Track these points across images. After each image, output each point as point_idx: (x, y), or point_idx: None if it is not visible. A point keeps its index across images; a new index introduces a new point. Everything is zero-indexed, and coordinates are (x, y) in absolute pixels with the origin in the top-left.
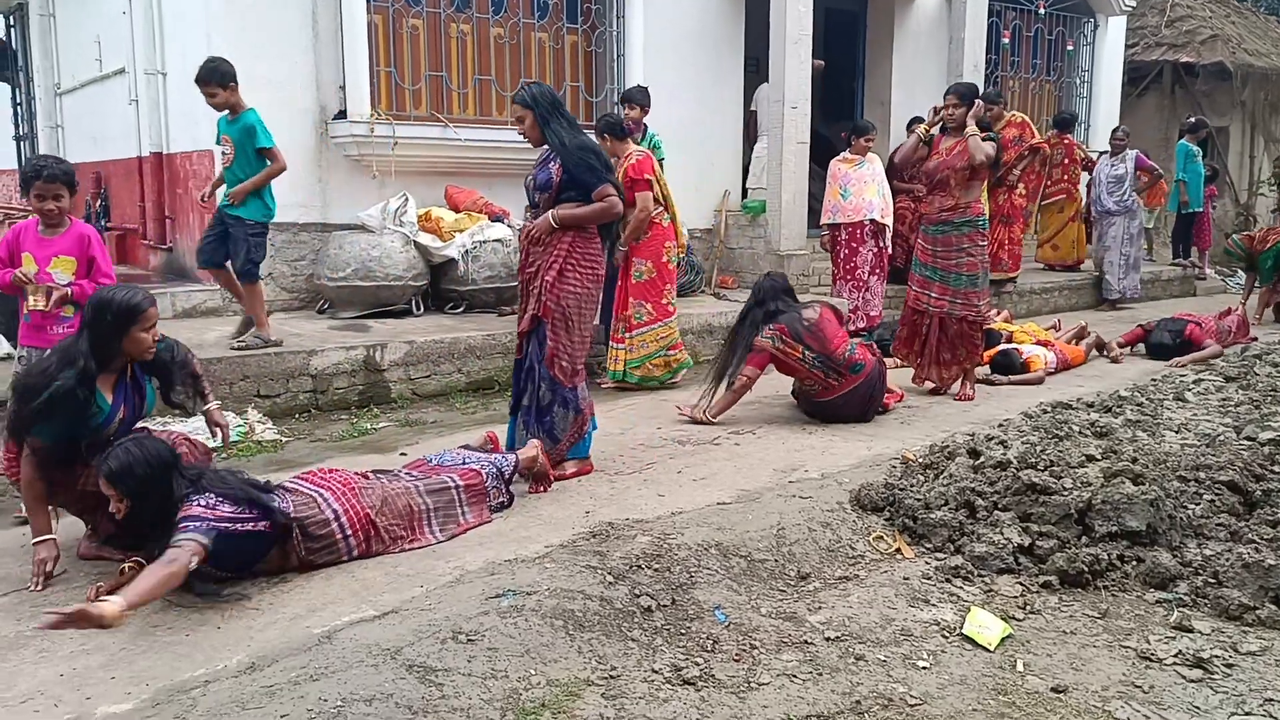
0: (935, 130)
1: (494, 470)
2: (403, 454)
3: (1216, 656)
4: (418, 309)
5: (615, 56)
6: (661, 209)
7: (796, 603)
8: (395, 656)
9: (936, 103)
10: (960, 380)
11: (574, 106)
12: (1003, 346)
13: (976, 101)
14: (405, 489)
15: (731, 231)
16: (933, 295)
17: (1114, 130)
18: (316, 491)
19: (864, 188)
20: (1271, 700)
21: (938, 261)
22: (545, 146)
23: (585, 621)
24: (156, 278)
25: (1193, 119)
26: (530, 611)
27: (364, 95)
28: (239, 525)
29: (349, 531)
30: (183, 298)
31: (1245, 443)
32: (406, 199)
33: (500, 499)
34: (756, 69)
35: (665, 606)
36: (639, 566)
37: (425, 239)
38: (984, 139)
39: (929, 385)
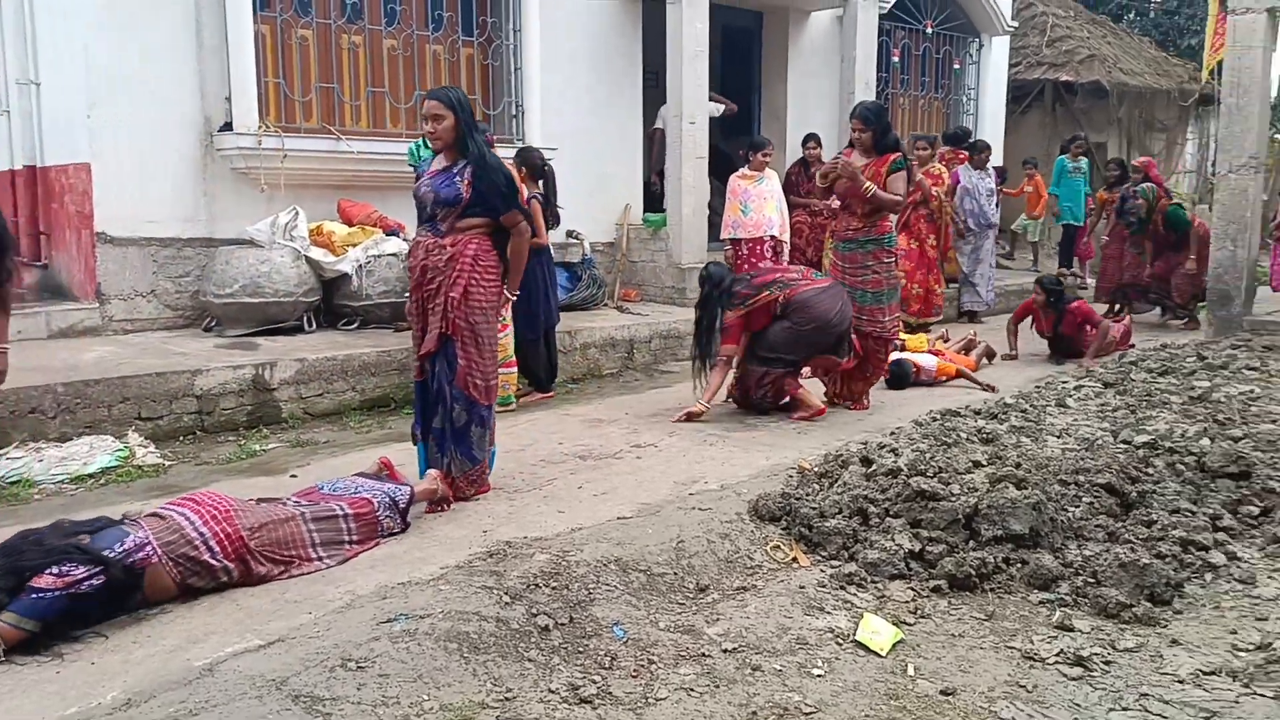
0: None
1: (387, 500)
2: (293, 475)
3: (1096, 654)
4: (310, 326)
5: (512, 69)
6: None
7: (695, 615)
8: (281, 687)
9: (828, 125)
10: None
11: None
12: (895, 356)
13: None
14: (290, 515)
15: (633, 245)
16: None
17: (978, 143)
18: (182, 514)
19: (763, 204)
20: (1147, 695)
21: (846, 278)
22: (451, 159)
23: (480, 643)
24: (31, 295)
25: (1072, 136)
26: (423, 635)
27: (251, 107)
28: (78, 586)
29: (218, 553)
30: (59, 317)
31: (1122, 446)
32: (297, 213)
33: (394, 529)
34: (656, 83)
35: (563, 625)
36: (537, 585)
37: (317, 254)
38: (893, 163)
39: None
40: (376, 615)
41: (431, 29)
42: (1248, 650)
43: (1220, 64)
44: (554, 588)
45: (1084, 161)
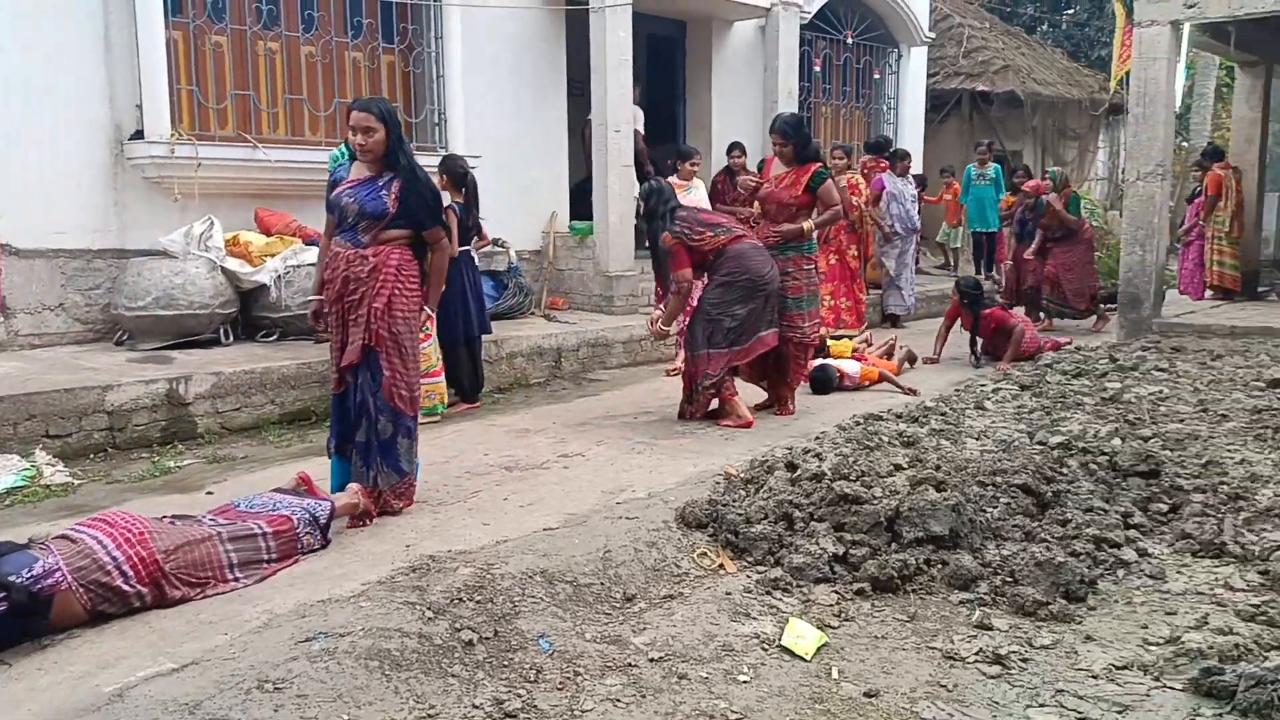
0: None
1: (307, 516)
2: (209, 493)
3: (1014, 652)
4: (227, 338)
5: (434, 77)
6: None
7: (622, 625)
8: (194, 712)
9: (752, 133)
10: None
11: None
12: (820, 361)
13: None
14: (206, 535)
15: (560, 253)
16: None
17: (900, 153)
18: (94, 537)
19: None
20: (1062, 691)
21: None
22: (377, 170)
23: (403, 661)
24: None
25: (977, 143)
26: (343, 654)
27: (163, 114)
28: None
29: (132, 577)
30: None
31: (1037, 447)
32: (212, 223)
33: (314, 545)
34: (581, 92)
35: (488, 639)
36: (460, 599)
37: (234, 264)
38: (816, 174)
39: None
40: (295, 634)
41: (351, 35)
42: (1158, 644)
43: (1128, 75)
44: (478, 601)
45: (992, 168)
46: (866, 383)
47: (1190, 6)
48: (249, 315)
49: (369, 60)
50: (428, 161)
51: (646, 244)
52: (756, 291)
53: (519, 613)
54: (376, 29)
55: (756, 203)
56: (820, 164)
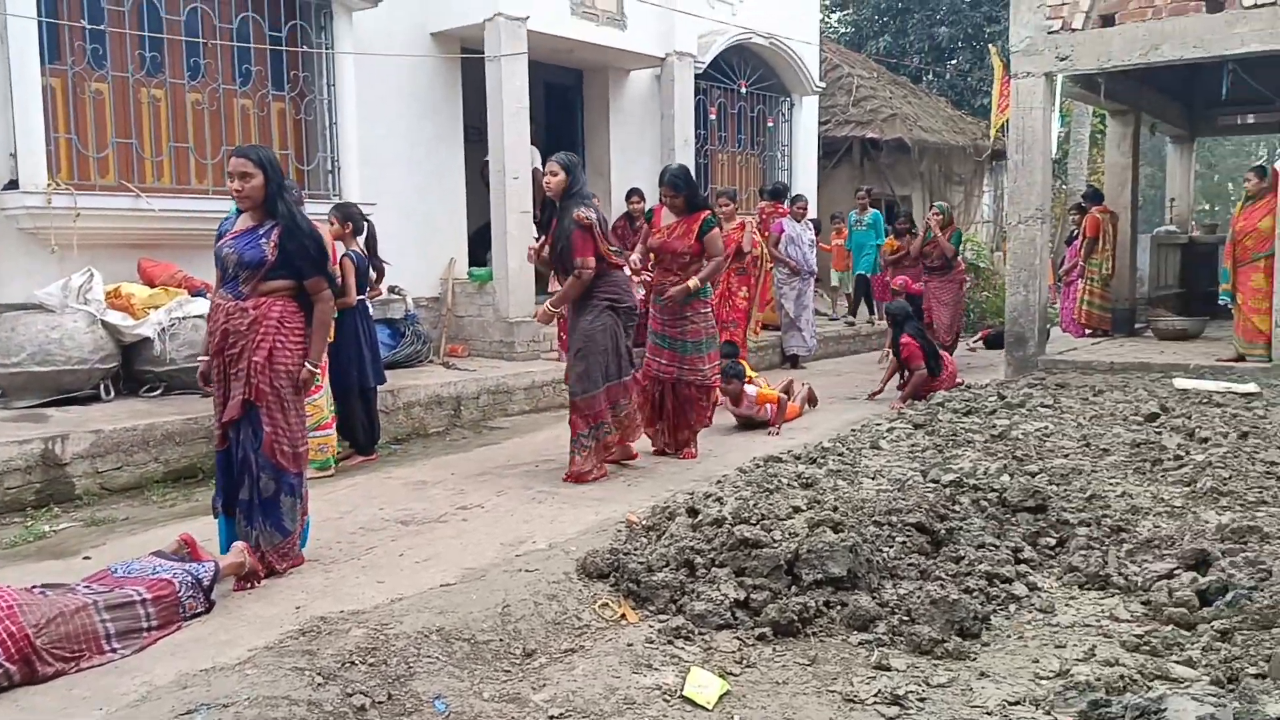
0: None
1: (189, 579)
2: (86, 558)
3: (911, 692)
4: (107, 394)
5: (327, 124)
6: None
7: (521, 682)
8: None
9: (651, 178)
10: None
11: (284, 175)
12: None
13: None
14: (80, 605)
15: (459, 300)
16: (663, 361)
17: (797, 197)
18: None
19: None
20: None
21: (666, 329)
22: (258, 219)
23: None
24: None
25: (857, 189)
26: None
27: (39, 164)
28: None
29: (1, 656)
30: None
31: (931, 485)
32: (92, 274)
33: (198, 609)
34: (479, 138)
35: (380, 703)
36: (352, 663)
37: (115, 317)
38: (705, 222)
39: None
40: (175, 707)
41: (239, 83)
42: (1048, 678)
43: (1007, 123)
44: (371, 664)
45: (871, 214)
46: (765, 405)
47: (1062, 59)
48: (131, 370)
49: (259, 108)
50: (320, 209)
51: (538, 235)
52: (630, 317)
53: (414, 674)
54: (266, 76)
55: (651, 253)
56: (709, 211)
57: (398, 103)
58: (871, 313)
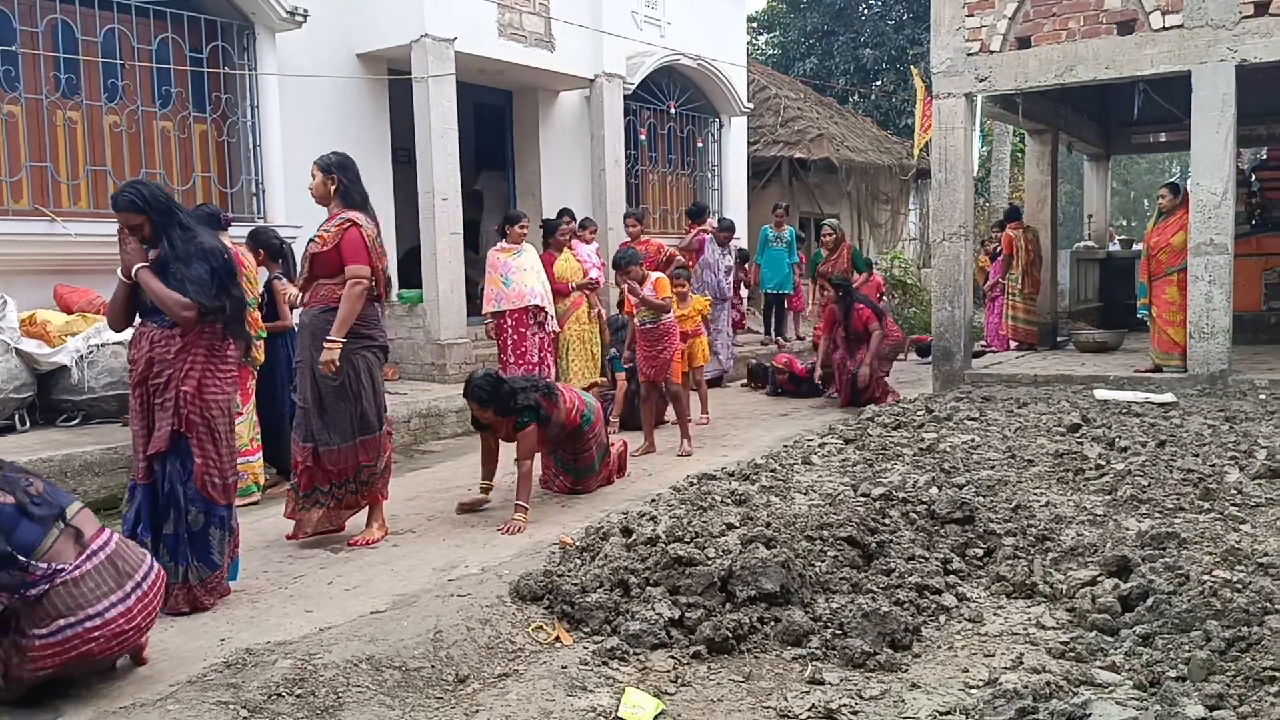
0: None
1: None
2: None
3: (844, 705)
4: (22, 424)
5: (251, 146)
6: None
7: (454, 709)
8: None
9: (582, 198)
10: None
11: (207, 198)
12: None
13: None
14: None
15: (389, 322)
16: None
17: (724, 220)
18: None
19: (524, 275)
20: None
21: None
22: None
23: None
24: None
25: (774, 205)
26: None
27: None
28: None
29: None
30: None
31: (861, 499)
32: (5, 302)
33: None
34: (408, 159)
35: None
36: (279, 695)
37: (29, 345)
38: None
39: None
40: None
41: (159, 105)
42: (978, 687)
43: (930, 142)
44: (298, 695)
45: (788, 230)
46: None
47: (981, 80)
48: (48, 399)
49: (180, 130)
50: (244, 233)
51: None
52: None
53: (343, 704)
54: (187, 98)
55: None
56: (518, 414)
57: (324, 124)
58: (780, 333)
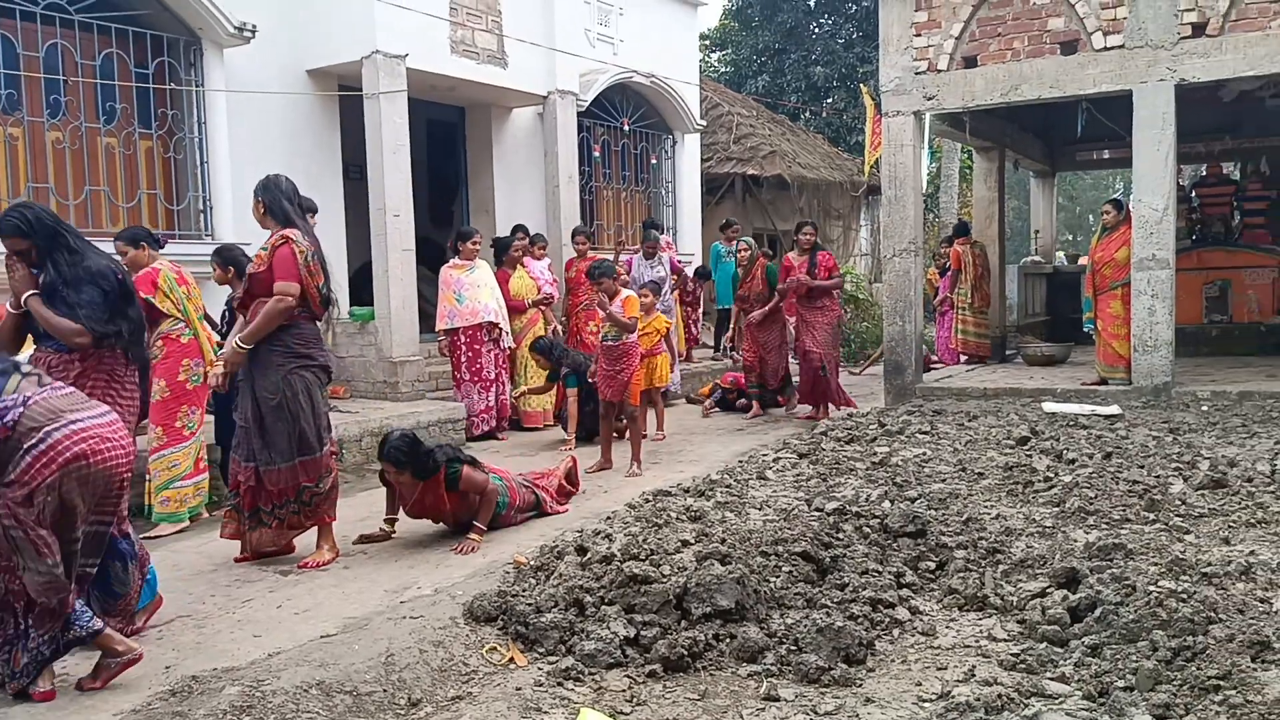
0: None
1: None
2: None
3: None
4: None
5: (198, 163)
6: (182, 324)
7: None
8: None
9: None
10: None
11: (153, 216)
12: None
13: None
14: None
15: (340, 340)
16: None
17: (650, 232)
18: None
19: (478, 291)
20: None
21: None
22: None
23: None
24: None
25: (726, 221)
26: None
27: None
28: None
29: None
30: None
31: (815, 514)
32: None
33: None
34: (360, 176)
35: None
36: None
37: None
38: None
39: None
40: None
41: (104, 121)
42: (931, 700)
43: (880, 159)
44: None
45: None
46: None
47: (929, 99)
48: None
49: (124, 146)
50: (191, 250)
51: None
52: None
53: None
54: (132, 114)
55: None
56: (442, 471)
57: (273, 141)
58: (732, 350)
